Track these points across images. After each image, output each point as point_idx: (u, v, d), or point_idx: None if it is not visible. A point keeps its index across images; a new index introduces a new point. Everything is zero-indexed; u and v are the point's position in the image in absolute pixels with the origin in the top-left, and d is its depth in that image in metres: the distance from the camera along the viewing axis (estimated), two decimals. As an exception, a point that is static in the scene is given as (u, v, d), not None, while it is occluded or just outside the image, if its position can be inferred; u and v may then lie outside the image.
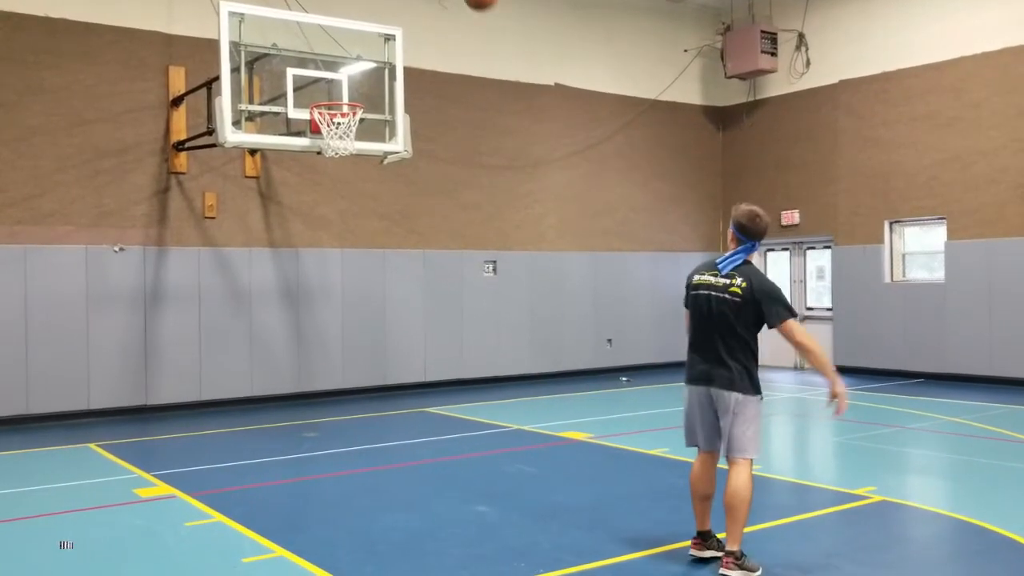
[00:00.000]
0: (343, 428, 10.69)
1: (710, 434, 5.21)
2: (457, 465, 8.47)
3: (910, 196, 14.61)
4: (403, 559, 5.48)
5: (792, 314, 5.02)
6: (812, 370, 16.01)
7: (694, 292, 5.25)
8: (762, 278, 5.11)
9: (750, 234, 5.15)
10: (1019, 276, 13.25)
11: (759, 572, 5.01)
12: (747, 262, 5.16)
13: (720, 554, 5.12)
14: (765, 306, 4.99)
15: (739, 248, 5.16)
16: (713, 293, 5.12)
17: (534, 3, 15.24)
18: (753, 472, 5.10)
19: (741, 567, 4.97)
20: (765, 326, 5.05)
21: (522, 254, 15.05)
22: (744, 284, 5.03)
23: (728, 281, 5.08)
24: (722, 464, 5.26)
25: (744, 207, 5.20)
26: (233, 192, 12.43)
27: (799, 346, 5.00)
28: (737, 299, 5.02)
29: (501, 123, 14.88)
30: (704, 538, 5.31)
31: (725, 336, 5.07)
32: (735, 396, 5.02)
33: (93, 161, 11.44)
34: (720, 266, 5.18)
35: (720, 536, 5.25)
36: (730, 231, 5.23)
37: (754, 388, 5.06)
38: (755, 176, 17.05)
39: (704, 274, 5.24)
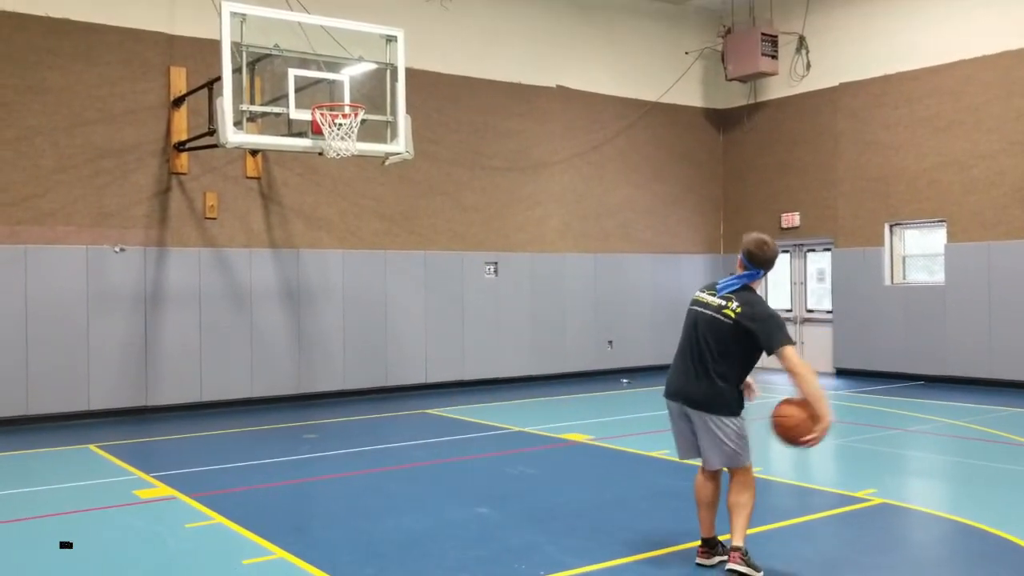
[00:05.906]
0: (344, 430, 10.69)
1: (688, 447, 5.31)
2: (458, 467, 8.47)
3: (910, 199, 14.62)
4: (403, 560, 5.48)
5: (790, 341, 4.97)
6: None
7: (690, 307, 5.33)
8: (760, 305, 5.10)
9: (757, 261, 5.13)
10: (1019, 279, 13.25)
11: (761, 573, 5.01)
12: (748, 288, 5.16)
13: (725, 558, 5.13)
14: (762, 332, 4.96)
15: (743, 273, 5.19)
16: (705, 311, 5.16)
17: (536, 5, 15.25)
18: (754, 476, 5.16)
19: (747, 563, 5.00)
20: (764, 353, 5.04)
21: (523, 255, 15.05)
22: (739, 308, 5.03)
23: (723, 303, 5.10)
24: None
25: (754, 235, 5.23)
26: (234, 193, 12.43)
27: (793, 373, 4.90)
28: (728, 321, 5.04)
29: (503, 125, 14.89)
30: (710, 545, 5.31)
31: (705, 356, 5.10)
32: (709, 417, 5.08)
33: (94, 161, 11.44)
34: (719, 287, 5.22)
35: (723, 539, 5.28)
36: (739, 258, 5.24)
37: (729, 410, 5.08)
38: (756, 178, 17.06)
39: (703, 292, 5.29)
